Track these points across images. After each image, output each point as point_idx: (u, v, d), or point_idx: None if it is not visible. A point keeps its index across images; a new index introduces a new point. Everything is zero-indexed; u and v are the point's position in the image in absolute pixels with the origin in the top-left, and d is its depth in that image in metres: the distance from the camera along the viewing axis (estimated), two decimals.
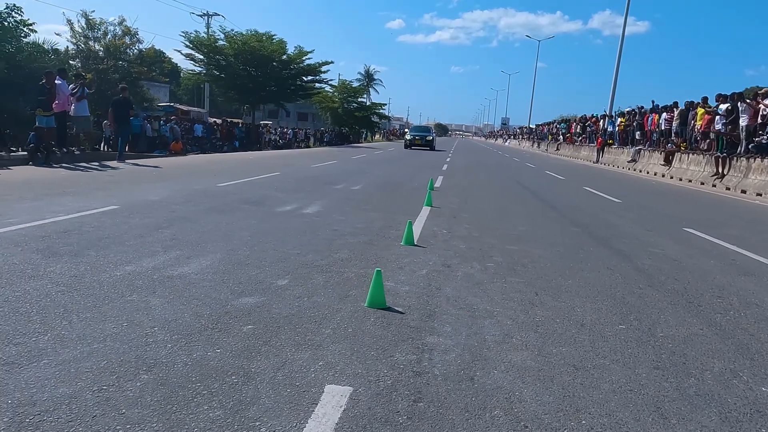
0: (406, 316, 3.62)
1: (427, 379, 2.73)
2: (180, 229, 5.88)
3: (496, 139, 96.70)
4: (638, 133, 25.34)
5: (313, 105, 59.31)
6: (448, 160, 25.58)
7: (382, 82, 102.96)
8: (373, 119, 60.54)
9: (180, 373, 2.62)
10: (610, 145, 29.36)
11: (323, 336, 3.19)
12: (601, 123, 32.03)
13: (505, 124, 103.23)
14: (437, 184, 12.33)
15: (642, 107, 26.23)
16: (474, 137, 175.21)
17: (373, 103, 62.04)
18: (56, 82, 12.89)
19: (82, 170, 11.71)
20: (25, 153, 12.33)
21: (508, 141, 78.82)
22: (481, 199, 10.61)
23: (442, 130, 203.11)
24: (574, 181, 16.96)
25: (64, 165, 12.38)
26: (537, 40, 68.77)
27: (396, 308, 3.74)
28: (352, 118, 55.58)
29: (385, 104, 65.67)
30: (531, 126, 66.72)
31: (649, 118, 24.05)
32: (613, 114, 30.85)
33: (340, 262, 4.92)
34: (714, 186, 16.73)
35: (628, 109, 28.97)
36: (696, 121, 19.29)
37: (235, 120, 39.58)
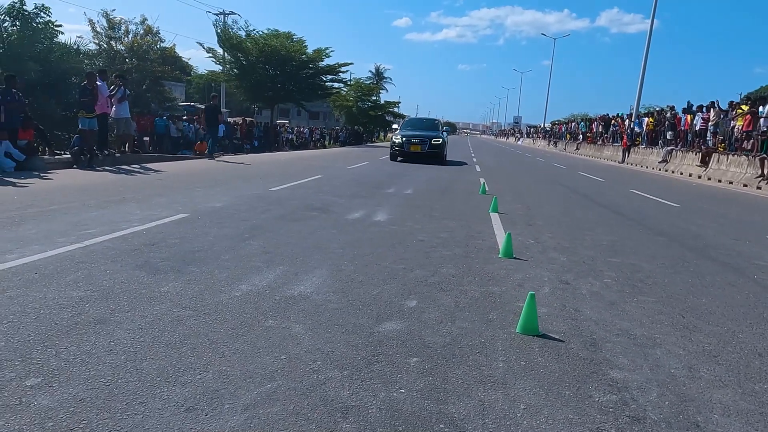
0: (569, 345, 3.32)
1: (650, 427, 2.43)
2: (266, 241, 5.60)
3: (508, 138, 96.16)
4: (670, 133, 24.90)
5: (325, 103, 59.01)
6: (474, 160, 25.23)
7: (392, 80, 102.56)
8: (387, 118, 60.17)
9: (379, 421, 2.33)
10: (637, 145, 28.94)
11: (500, 371, 2.89)
12: (626, 122, 31.57)
13: (517, 122, 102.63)
14: (486, 188, 11.99)
15: (673, 107, 25.79)
16: (482, 136, 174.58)
17: (386, 102, 61.66)
18: (97, 83, 12.64)
19: (126, 174, 11.47)
20: (68, 156, 12.09)
21: (522, 140, 78.31)
22: (541, 204, 10.29)
23: (451, 128, 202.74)
24: (615, 183, 16.59)
25: (107, 168, 12.16)
26: (552, 38, 68.10)
27: (551, 335, 3.45)
28: (366, 117, 55.22)
29: (399, 102, 65.14)
30: (546, 125, 66.20)
31: (682, 118, 23.62)
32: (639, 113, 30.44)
33: (453, 279, 4.63)
34: (759, 188, 16.32)
35: (657, 109, 28.53)
36: (737, 121, 18.86)
37: (247, 119, 39.34)
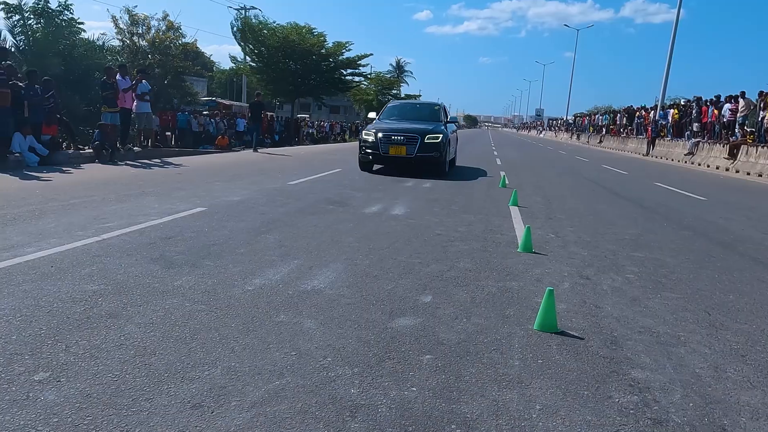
0: (588, 342, 3.21)
1: (674, 430, 2.32)
2: (283, 234, 5.56)
3: (530, 131, 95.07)
4: (695, 124, 24.31)
5: (345, 98, 58.94)
6: (495, 153, 24.96)
7: (412, 74, 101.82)
8: None
9: (389, 420, 2.26)
10: (662, 137, 28.33)
11: (516, 369, 2.80)
12: (651, 114, 30.92)
13: (539, 115, 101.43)
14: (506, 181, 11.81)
15: (699, 98, 25.16)
16: (504, 129, 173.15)
17: (407, 96, 61.37)
18: (116, 78, 12.76)
19: (146, 168, 11.57)
20: (90, 151, 12.24)
21: (544, 132, 77.37)
22: (562, 197, 10.10)
23: (472, 121, 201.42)
24: (639, 176, 16.25)
25: (128, 162, 12.28)
26: (575, 29, 66.95)
27: (570, 332, 3.34)
28: None
29: (420, 96, 64.74)
30: (569, 118, 65.27)
31: (709, 110, 23.03)
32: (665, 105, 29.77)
33: (470, 273, 4.53)
34: None
35: (683, 100, 27.88)
36: (767, 112, 18.32)
37: (268, 113, 39.46)
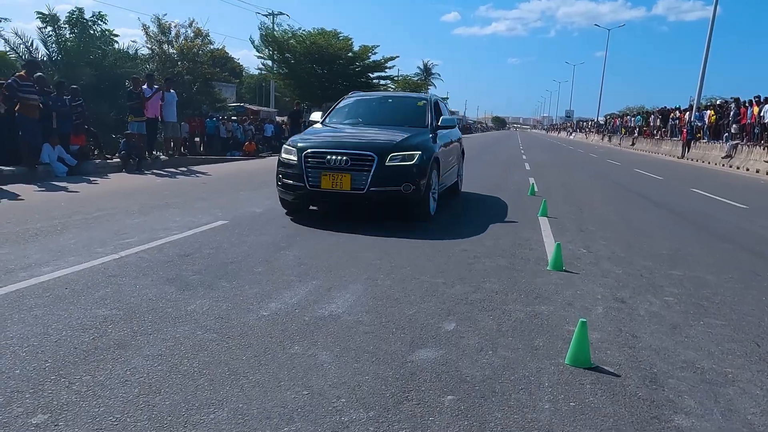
0: (625, 380, 2.95)
1: None
2: (302, 250, 5.41)
3: (559, 132, 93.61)
4: (734, 126, 23.44)
5: None
6: (524, 157, 24.51)
7: (440, 76, 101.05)
8: None
9: None
10: (698, 139, 27.43)
11: (546, 414, 2.57)
12: (686, 116, 29.99)
13: (569, 116, 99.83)
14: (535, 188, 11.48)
15: (737, 98, 24.27)
16: (533, 130, 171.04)
17: None
18: (142, 87, 12.86)
19: (172, 177, 11.60)
20: (118, 160, 12.34)
21: (573, 134, 76.05)
22: (594, 205, 9.74)
23: (500, 123, 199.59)
24: (675, 181, 15.68)
25: (155, 171, 12.35)
26: (606, 29, 65.70)
27: (605, 368, 3.09)
28: None
29: (447, 98, 64.18)
30: (600, 119, 64.00)
31: (748, 111, 22.18)
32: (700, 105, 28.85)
33: (496, 296, 4.30)
34: None
35: (720, 101, 26.97)
36: None
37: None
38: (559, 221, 7.79)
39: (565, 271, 5.12)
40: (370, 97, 9.47)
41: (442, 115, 8.50)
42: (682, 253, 6.17)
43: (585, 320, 3.13)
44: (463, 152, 10.38)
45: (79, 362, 2.86)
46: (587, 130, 68.33)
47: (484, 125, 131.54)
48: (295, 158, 6.71)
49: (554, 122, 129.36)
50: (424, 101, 8.58)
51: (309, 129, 8.13)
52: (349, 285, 4.39)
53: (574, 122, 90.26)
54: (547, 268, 5.19)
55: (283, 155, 6.99)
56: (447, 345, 3.30)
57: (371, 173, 6.42)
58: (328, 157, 6.51)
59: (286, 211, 7.28)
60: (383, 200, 6.71)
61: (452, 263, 5.22)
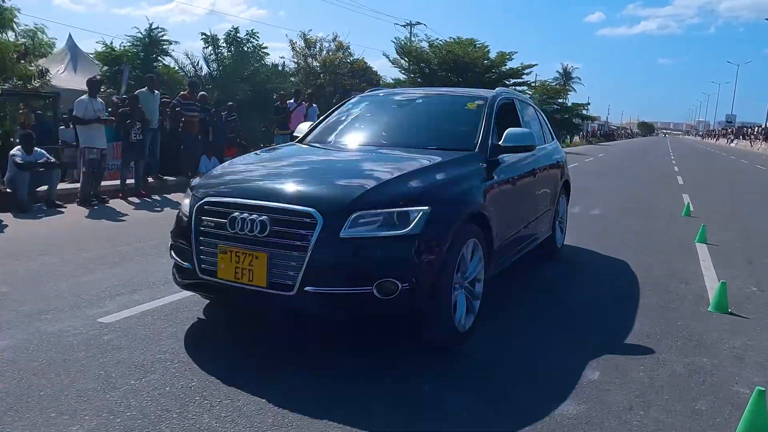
0: None
1: None
2: None
3: (717, 139, 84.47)
4: None
5: None
6: (675, 169, 22.38)
7: (580, 80, 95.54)
8: (574, 121, 56.57)
9: None
10: None
11: None
12: None
13: (730, 121, 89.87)
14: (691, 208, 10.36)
15: None
16: (685, 136, 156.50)
17: (574, 104, 58.01)
18: (289, 102, 13.64)
19: None
20: None
21: (735, 142, 68.20)
22: (765, 230, 8.55)
23: (648, 128, 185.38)
24: None
25: None
26: None
27: None
28: (552, 121, 52.33)
29: (588, 104, 60.70)
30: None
31: None
32: None
33: (647, 340, 3.87)
34: None
35: None
36: None
37: None
38: (721, 249, 6.92)
39: (731, 314, 4.49)
40: (391, 97, 5.50)
41: (521, 123, 5.11)
42: None
43: (763, 390, 2.67)
44: (566, 185, 6.47)
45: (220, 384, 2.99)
46: (752, 137, 60.93)
47: (628, 131, 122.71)
48: (187, 213, 3.54)
49: (712, 128, 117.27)
50: (480, 102, 4.76)
51: (251, 154, 4.81)
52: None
53: (735, 128, 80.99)
54: (709, 309, 4.60)
55: (182, 206, 3.71)
56: (591, 399, 3.00)
57: (308, 253, 3.03)
58: (234, 214, 3.23)
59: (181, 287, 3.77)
60: (334, 314, 3.31)
61: (595, 297, 4.81)
